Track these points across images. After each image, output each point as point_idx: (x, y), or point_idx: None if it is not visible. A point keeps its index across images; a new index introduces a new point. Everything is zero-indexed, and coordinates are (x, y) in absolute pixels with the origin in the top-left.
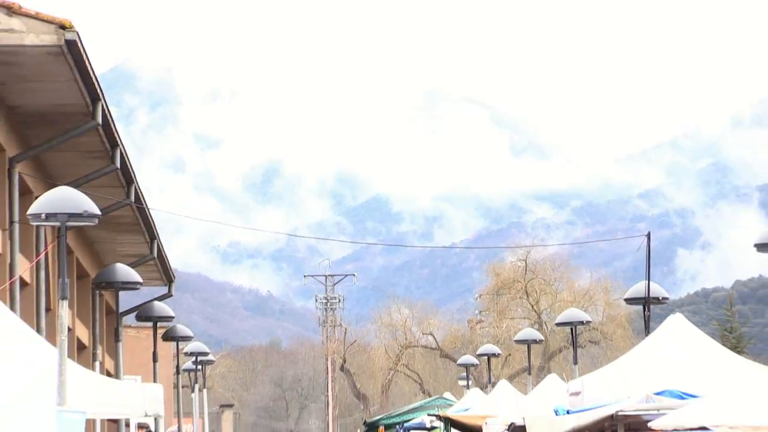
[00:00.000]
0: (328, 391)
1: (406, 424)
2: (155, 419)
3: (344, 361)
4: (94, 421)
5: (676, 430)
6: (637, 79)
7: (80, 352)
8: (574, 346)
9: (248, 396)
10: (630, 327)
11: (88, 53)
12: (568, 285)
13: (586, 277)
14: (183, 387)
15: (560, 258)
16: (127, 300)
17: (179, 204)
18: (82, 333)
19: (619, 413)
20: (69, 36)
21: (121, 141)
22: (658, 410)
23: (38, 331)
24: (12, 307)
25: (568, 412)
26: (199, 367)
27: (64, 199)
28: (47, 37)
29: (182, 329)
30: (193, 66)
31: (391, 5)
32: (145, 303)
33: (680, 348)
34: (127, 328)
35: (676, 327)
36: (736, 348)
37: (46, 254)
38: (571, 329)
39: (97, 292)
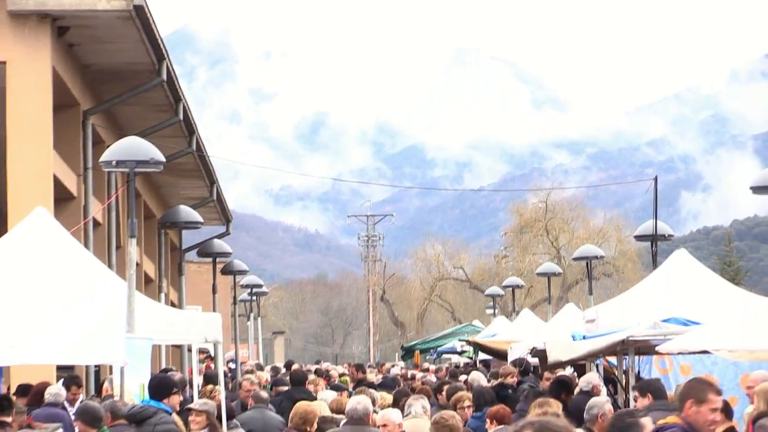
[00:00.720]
0: (369, 320)
1: (439, 349)
2: (214, 345)
3: (384, 292)
4: (159, 346)
5: (680, 353)
6: (645, 39)
7: (147, 285)
8: (590, 278)
9: (298, 324)
10: (639, 261)
11: (153, 17)
12: (584, 224)
13: (599, 216)
14: (239, 316)
15: (577, 199)
16: (189, 238)
17: (236, 152)
18: (149, 268)
19: (630, 338)
20: (137, 2)
21: (183, 96)
22: (665, 336)
23: (110, 266)
24: (86, 245)
25: (584, 338)
26: (254, 298)
27: (133, 147)
28: (117, 3)
29: (239, 264)
30: (249, 28)
31: None
32: (205, 241)
33: (684, 280)
34: (189, 264)
35: (680, 261)
36: (734, 280)
37: (117, 197)
38: (587, 263)
39: (163, 231)
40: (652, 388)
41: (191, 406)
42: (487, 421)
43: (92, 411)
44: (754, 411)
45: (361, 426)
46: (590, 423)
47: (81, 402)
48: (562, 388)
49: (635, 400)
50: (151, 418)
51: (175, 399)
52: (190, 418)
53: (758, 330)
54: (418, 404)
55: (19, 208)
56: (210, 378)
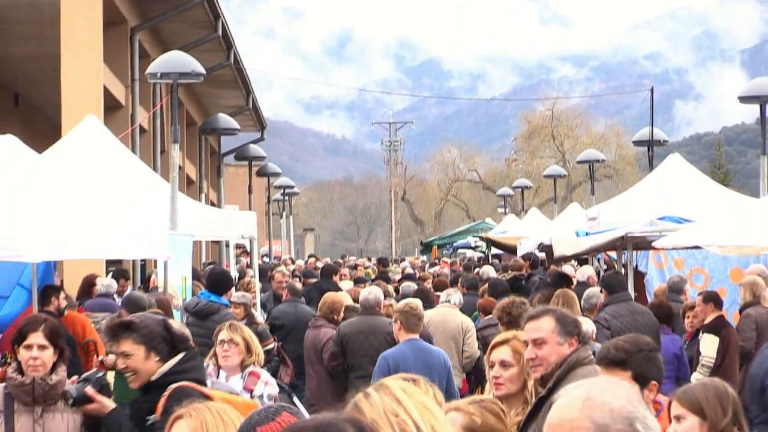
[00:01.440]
0: (391, 218)
1: (454, 244)
2: (250, 241)
3: (404, 192)
4: (200, 242)
5: (674, 248)
6: None
7: (189, 186)
8: (592, 180)
9: (326, 221)
10: (637, 164)
11: None
12: (587, 130)
13: (601, 123)
14: (273, 214)
15: (580, 108)
16: (227, 143)
17: (270, 65)
18: (191, 171)
19: (628, 235)
20: None
21: (222, 13)
22: (660, 232)
23: (154, 169)
24: (133, 150)
25: (586, 234)
26: (286, 197)
27: (176, 61)
28: None
29: (272, 167)
30: None
31: None
32: (242, 146)
33: (678, 182)
34: (227, 167)
35: (674, 164)
36: (723, 181)
37: (161, 106)
38: (589, 166)
39: (203, 137)
40: (609, 284)
41: (230, 299)
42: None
43: (135, 300)
44: (741, 302)
45: (372, 315)
46: (588, 311)
47: (128, 291)
48: (563, 280)
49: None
50: (215, 314)
51: (232, 293)
52: (230, 309)
53: (745, 227)
54: (457, 296)
55: (72, 116)
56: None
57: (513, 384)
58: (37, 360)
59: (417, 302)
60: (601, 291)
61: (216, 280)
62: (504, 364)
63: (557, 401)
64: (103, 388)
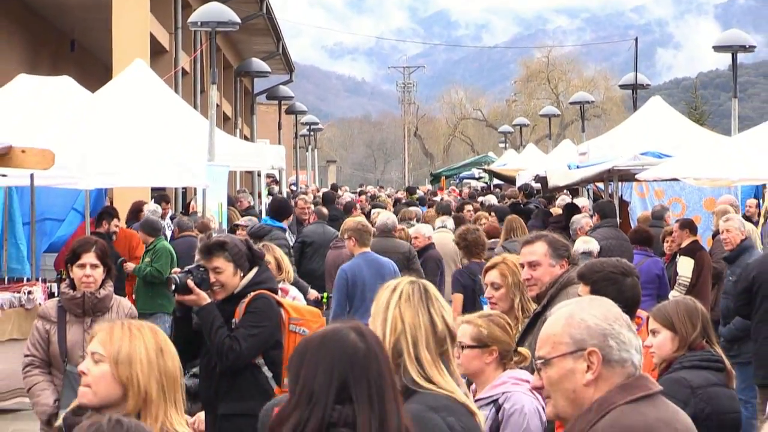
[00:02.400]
0: (404, 151)
1: (460, 175)
2: (279, 171)
3: (416, 129)
4: (234, 172)
5: (655, 180)
6: None
7: (225, 122)
8: (582, 119)
9: (347, 154)
10: (623, 105)
11: None
12: (578, 75)
13: (591, 69)
14: (299, 148)
15: (573, 55)
16: (259, 84)
17: (298, 15)
18: (227, 109)
19: (614, 168)
20: None
21: None
22: (643, 166)
23: (195, 107)
24: (176, 91)
25: (577, 167)
26: (311, 133)
27: (214, 11)
28: None
29: (299, 106)
30: None
31: None
32: (272, 87)
33: (659, 121)
34: (259, 105)
35: (655, 106)
36: (699, 121)
37: (201, 51)
38: (580, 107)
39: (238, 78)
40: (604, 210)
41: (238, 222)
42: None
43: (151, 223)
44: (714, 228)
45: (389, 237)
46: (573, 234)
47: (170, 216)
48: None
49: (592, 218)
50: (266, 235)
51: (290, 220)
52: (237, 232)
53: (718, 161)
54: (450, 221)
55: (122, 60)
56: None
57: (503, 302)
58: (90, 278)
59: (365, 221)
60: (592, 216)
61: (275, 207)
62: (494, 286)
63: (548, 318)
64: (202, 282)
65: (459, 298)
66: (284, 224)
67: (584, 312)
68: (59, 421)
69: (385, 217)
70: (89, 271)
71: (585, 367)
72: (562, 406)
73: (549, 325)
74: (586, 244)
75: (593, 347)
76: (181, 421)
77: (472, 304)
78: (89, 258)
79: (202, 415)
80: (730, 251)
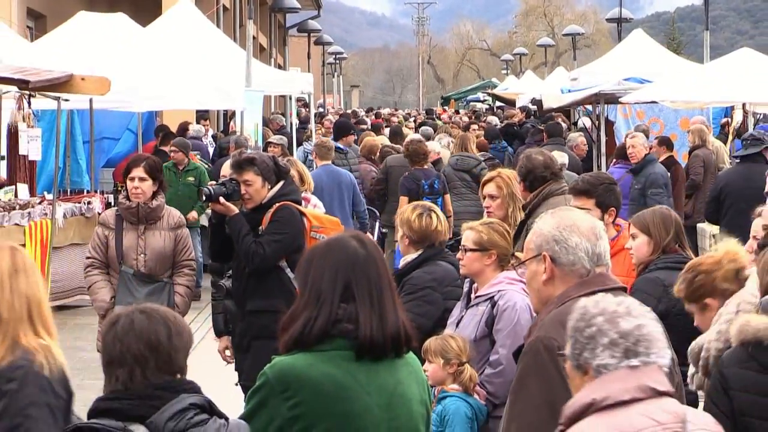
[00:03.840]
0: (419, 77)
1: (467, 98)
2: (308, 95)
3: (429, 57)
4: (269, 96)
5: (637, 102)
6: None
7: (261, 53)
8: (574, 49)
9: (368, 80)
10: (610, 37)
11: None
12: (571, 9)
13: (582, 4)
14: (326, 74)
15: None
16: (291, 19)
17: None
18: (263, 40)
19: (601, 92)
20: None
21: None
22: (626, 90)
23: (234, 40)
24: (217, 25)
25: (569, 91)
26: (337, 61)
27: None
28: None
29: (326, 38)
30: None
31: None
32: (302, 21)
33: (641, 51)
34: (291, 37)
35: (638, 37)
36: (676, 51)
37: None
38: (572, 38)
39: (272, 14)
40: (551, 130)
41: (270, 139)
42: None
43: (181, 143)
44: (690, 145)
45: (326, 162)
46: (569, 149)
47: (210, 133)
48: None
49: (544, 138)
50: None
51: (350, 138)
52: (270, 149)
53: (692, 86)
54: (446, 139)
55: None
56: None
57: (499, 211)
58: (138, 189)
59: (328, 139)
60: (543, 134)
61: (337, 127)
62: (491, 197)
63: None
64: (233, 192)
65: (405, 199)
66: (342, 145)
67: (545, 222)
68: None
69: (413, 135)
70: (137, 183)
71: (543, 269)
72: (534, 301)
73: (528, 234)
74: (561, 157)
75: (545, 251)
76: (43, 342)
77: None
78: (138, 172)
79: (224, 342)
80: (635, 164)
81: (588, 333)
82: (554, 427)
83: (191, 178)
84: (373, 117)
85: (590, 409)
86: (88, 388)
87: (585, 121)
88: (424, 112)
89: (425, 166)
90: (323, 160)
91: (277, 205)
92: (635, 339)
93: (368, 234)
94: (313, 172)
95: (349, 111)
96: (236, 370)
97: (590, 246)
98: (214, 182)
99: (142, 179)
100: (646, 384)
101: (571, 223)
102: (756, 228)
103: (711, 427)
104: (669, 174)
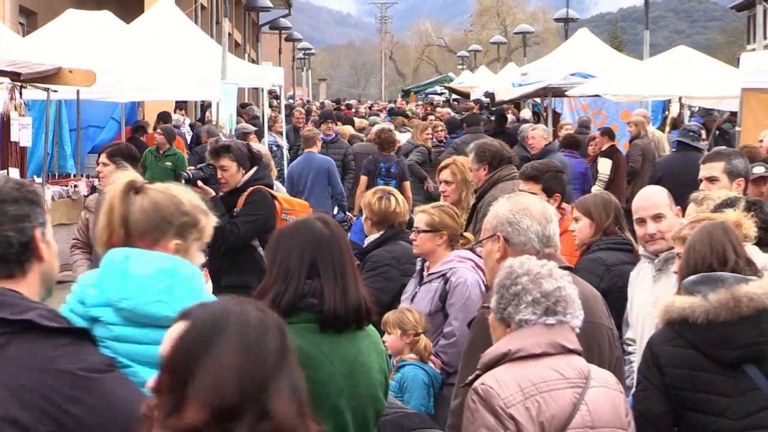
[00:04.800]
0: (381, 72)
1: (426, 91)
2: (279, 88)
3: (391, 53)
4: (243, 89)
5: (582, 95)
6: None
7: (236, 48)
8: (524, 46)
9: (335, 74)
10: (558, 35)
11: None
12: (522, 10)
13: (532, 5)
14: (296, 68)
15: None
16: (264, 17)
17: None
18: (237, 36)
19: (549, 86)
20: None
21: None
22: (572, 84)
23: (211, 36)
24: (195, 22)
25: (519, 85)
26: (306, 56)
27: None
28: None
29: (296, 35)
30: None
31: None
32: (274, 19)
33: (585, 48)
34: (264, 34)
35: (583, 36)
36: (618, 48)
37: None
38: (523, 36)
39: (247, 12)
40: (469, 121)
41: (245, 130)
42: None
43: (167, 129)
44: (630, 135)
45: (310, 149)
46: (522, 141)
47: (187, 122)
48: (502, 119)
49: (463, 129)
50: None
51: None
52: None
53: (632, 81)
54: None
55: None
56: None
57: (453, 195)
58: (101, 173)
59: (312, 128)
60: (463, 122)
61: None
62: (447, 182)
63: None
64: (211, 177)
65: (364, 179)
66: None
67: (500, 205)
68: None
69: (376, 126)
70: (100, 168)
71: (497, 248)
72: (488, 277)
73: (485, 220)
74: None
75: (499, 232)
76: None
77: (373, 183)
78: (102, 158)
79: None
80: (534, 154)
81: (513, 290)
82: None
83: (169, 163)
84: (344, 108)
85: (505, 358)
86: None
87: (525, 114)
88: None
89: (391, 153)
90: (307, 148)
91: (251, 188)
92: (555, 299)
93: (350, 215)
94: (297, 160)
95: (318, 102)
96: None
97: (540, 228)
98: (193, 167)
99: (105, 164)
100: (557, 341)
101: (524, 207)
102: (690, 212)
103: (612, 386)
104: (611, 162)
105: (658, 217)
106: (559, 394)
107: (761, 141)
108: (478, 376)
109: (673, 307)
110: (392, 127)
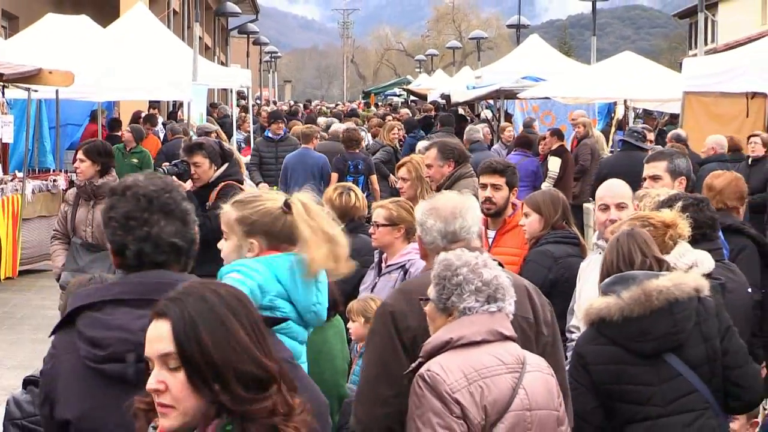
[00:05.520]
0: (343, 75)
1: (386, 93)
2: (247, 89)
3: (353, 57)
4: (213, 89)
5: (532, 98)
6: None
7: (206, 51)
8: (479, 51)
9: (300, 76)
10: (510, 40)
11: None
12: (476, 16)
13: (487, 12)
14: (263, 71)
15: (472, 1)
16: (233, 22)
17: None
18: (208, 40)
19: (501, 88)
20: None
21: None
22: (523, 87)
23: (183, 39)
24: (168, 27)
25: (474, 87)
26: (272, 59)
27: None
28: None
29: (263, 39)
30: None
31: None
32: (243, 24)
33: (536, 53)
34: (233, 38)
35: (534, 41)
36: (567, 53)
37: None
38: (477, 41)
39: (217, 17)
40: (443, 120)
41: (208, 129)
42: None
43: (135, 129)
44: (577, 135)
45: (307, 146)
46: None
47: (161, 120)
48: (461, 120)
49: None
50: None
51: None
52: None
53: (580, 84)
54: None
55: (127, 3)
56: (245, 108)
57: (410, 191)
58: (78, 169)
59: (311, 126)
60: (437, 124)
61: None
62: (404, 179)
63: None
64: (185, 172)
65: (335, 176)
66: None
67: (418, 208)
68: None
69: (337, 125)
70: (77, 164)
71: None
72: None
73: None
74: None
75: (418, 233)
76: None
77: (342, 179)
78: (79, 154)
79: None
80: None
81: (455, 281)
82: (384, 380)
83: (135, 160)
84: (309, 108)
85: (447, 346)
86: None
87: (487, 114)
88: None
89: (356, 151)
90: (305, 143)
91: (222, 183)
92: (495, 287)
93: None
94: (292, 154)
95: (286, 102)
96: None
97: (443, 226)
98: (167, 163)
99: (81, 160)
100: (495, 329)
101: (431, 207)
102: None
103: (545, 370)
104: (560, 160)
105: (620, 206)
106: (499, 379)
107: (753, 146)
108: (421, 364)
109: (591, 309)
110: (355, 126)
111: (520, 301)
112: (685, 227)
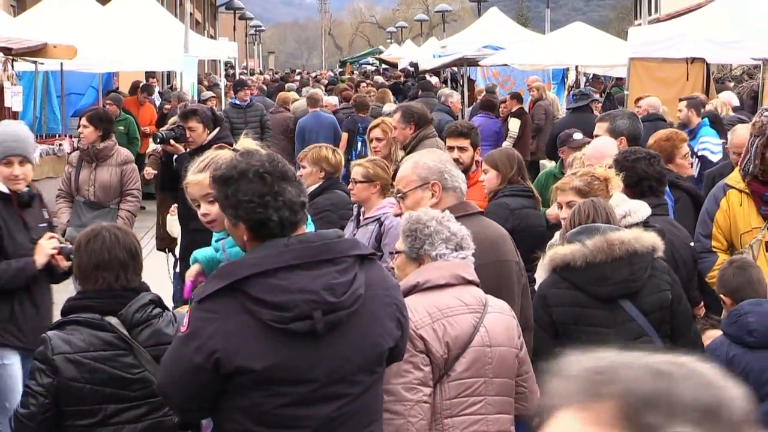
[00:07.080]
0: (321, 46)
1: (360, 62)
2: (234, 60)
3: (330, 29)
4: (204, 60)
5: (492, 65)
6: None
7: (197, 26)
8: (443, 22)
9: (282, 47)
10: (472, 13)
11: None
12: None
13: None
14: (249, 43)
15: None
16: None
17: None
18: (198, 16)
19: (464, 56)
20: None
21: None
22: (484, 55)
23: (175, 15)
24: (162, 4)
25: (440, 56)
26: (257, 33)
27: None
28: None
29: (249, 14)
30: None
31: None
32: (229, 0)
33: (496, 24)
34: (221, 14)
35: (493, 14)
36: (524, 24)
37: None
38: (443, 14)
39: None
40: (423, 86)
41: (204, 96)
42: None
43: (114, 98)
44: (533, 98)
45: (316, 109)
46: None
47: (158, 91)
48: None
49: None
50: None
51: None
52: (206, 102)
53: (535, 52)
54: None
55: None
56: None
57: (384, 149)
58: (82, 134)
59: (317, 91)
60: (419, 89)
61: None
62: (378, 139)
63: (402, 164)
64: (180, 136)
65: (345, 136)
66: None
67: (425, 158)
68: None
69: (313, 91)
70: (81, 129)
71: (430, 194)
72: None
73: (402, 170)
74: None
75: (434, 180)
76: None
77: (353, 139)
78: (82, 121)
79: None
80: (456, 116)
81: (427, 232)
82: None
83: (121, 127)
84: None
85: (414, 289)
86: (61, 291)
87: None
88: (330, 74)
89: (366, 114)
90: (312, 107)
91: (215, 146)
92: (461, 236)
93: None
94: (305, 117)
95: (270, 71)
96: (182, 277)
97: (463, 176)
98: (165, 127)
99: (85, 126)
100: (459, 273)
101: (447, 158)
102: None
103: (506, 312)
104: (519, 121)
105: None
106: (461, 318)
107: (680, 111)
108: None
109: (556, 255)
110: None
111: (510, 248)
112: (617, 181)
